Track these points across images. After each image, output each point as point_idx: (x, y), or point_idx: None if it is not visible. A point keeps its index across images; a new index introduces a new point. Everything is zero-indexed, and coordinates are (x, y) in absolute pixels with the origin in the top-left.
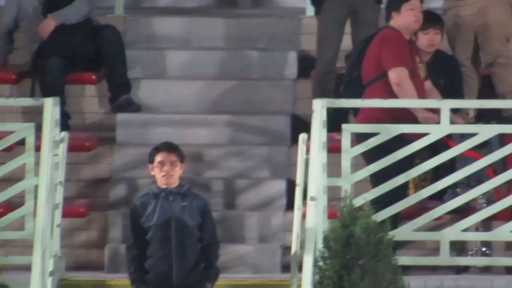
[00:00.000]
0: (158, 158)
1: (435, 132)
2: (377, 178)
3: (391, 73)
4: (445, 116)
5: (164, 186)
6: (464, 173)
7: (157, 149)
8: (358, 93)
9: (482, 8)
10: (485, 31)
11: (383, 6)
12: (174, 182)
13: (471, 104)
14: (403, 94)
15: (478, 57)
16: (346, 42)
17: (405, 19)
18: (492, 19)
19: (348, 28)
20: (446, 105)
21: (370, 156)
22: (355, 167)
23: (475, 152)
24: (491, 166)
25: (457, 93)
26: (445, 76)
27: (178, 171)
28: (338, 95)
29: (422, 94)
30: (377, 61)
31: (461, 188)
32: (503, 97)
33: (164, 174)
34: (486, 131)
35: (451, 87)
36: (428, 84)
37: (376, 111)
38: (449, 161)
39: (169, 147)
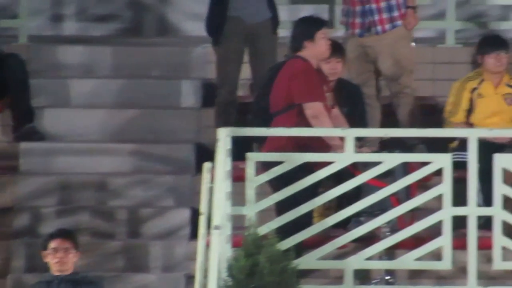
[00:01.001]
0: (52, 244)
1: (340, 161)
2: (282, 207)
3: (307, 107)
4: (349, 145)
5: (57, 273)
6: (368, 202)
7: (51, 236)
8: (265, 123)
9: (387, 39)
10: (391, 62)
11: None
12: (68, 270)
13: (375, 132)
14: (321, 126)
15: (379, 86)
16: (245, 71)
17: (319, 48)
18: (398, 52)
19: (246, 58)
20: (350, 134)
21: (276, 184)
22: (261, 195)
23: (379, 181)
24: (395, 195)
25: (361, 122)
26: (348, 105)
27: (72, 258)
28: (241, 124)
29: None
30: (287, 92)
31: (365, 216)
32: (406, 127)
33: (57, 261)
34: (390, 160)
35: (354, 116)
36: (335, 111)
37: (282, 141)
38: (353, 189)
39: (63, 234)
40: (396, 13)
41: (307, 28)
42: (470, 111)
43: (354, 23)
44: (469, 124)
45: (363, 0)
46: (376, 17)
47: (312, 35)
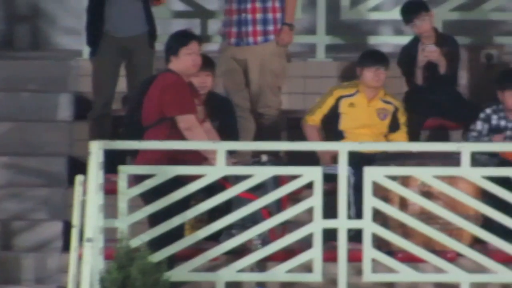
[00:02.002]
0: None
1: (211, 174)
2: (155, 220)
3: (180, 121)
4: (221, 158)
5: None
6: (240, 215)
7: None
8: (138, 136)
9: (257, 52)
10: (258, 77)
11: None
12: None
13: (247, 146)
14: (195, 138)
15: (254, 99)
16: (121, 85)
17: (183, 63)
18: (266, 67)
19: (123, 71)
20: (221, 147)
21: (148, 197)
22: (133, 208)
23: (250, 194)
24: (266, 207)
25: (232, 135)
26: (219, 118)
27: None
28: (116, 137)
29: None
30: (158, 106)
31: (236, 229)
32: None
33: None
34: (261, 173)
35: (226, 129)
36: (207, 125)
37: (154, 154)
38: (225, 202)
39: None
40: (271, 27)
41: (172, 43)
42: (337, 118)
43: (231, 32)
44: (334, 132)
45: (240, 9)
46: (250, 28)
47: (176, 51)
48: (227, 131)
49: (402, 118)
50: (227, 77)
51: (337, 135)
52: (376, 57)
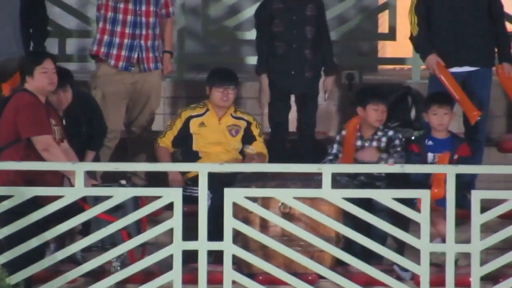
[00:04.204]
0: None
1: (69, 195)
2: (11, 242)
3: (36, 142)
4: (79, 178)
5: None
6: (98, 236)
7: None
8: None
9: (151, 80)
10: (148, 102)
11: None
12: None
13: (106, 167)
14: (53, 158)
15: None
16: None
17: (38, 82)
18: (156, 92)
19: None
20: (80, 168)
21: (4, 219)
22: None
23: (110, 215)
24: (126, 229)
25: (100, 134)
26: (86, 116)
27: None
28: None
29: None
30: (13, 126)
31: (95, 250)
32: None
33: None
34: (120, 194)
35: (94, 127)
36: (65, 145)
37: (10, 175)
38: (83, 224)
39: None
40: (157, 54)
41: (27, 63)
42: (190, 139)
43: (119, 56)
44: (189, 153)
45: (134, 35)
46: (144, 55)
47: (31, 70)
48: (95, 130)
49: (255, 131)
50: (107, 100)
51: (193, 156)
52: (224, 77)
